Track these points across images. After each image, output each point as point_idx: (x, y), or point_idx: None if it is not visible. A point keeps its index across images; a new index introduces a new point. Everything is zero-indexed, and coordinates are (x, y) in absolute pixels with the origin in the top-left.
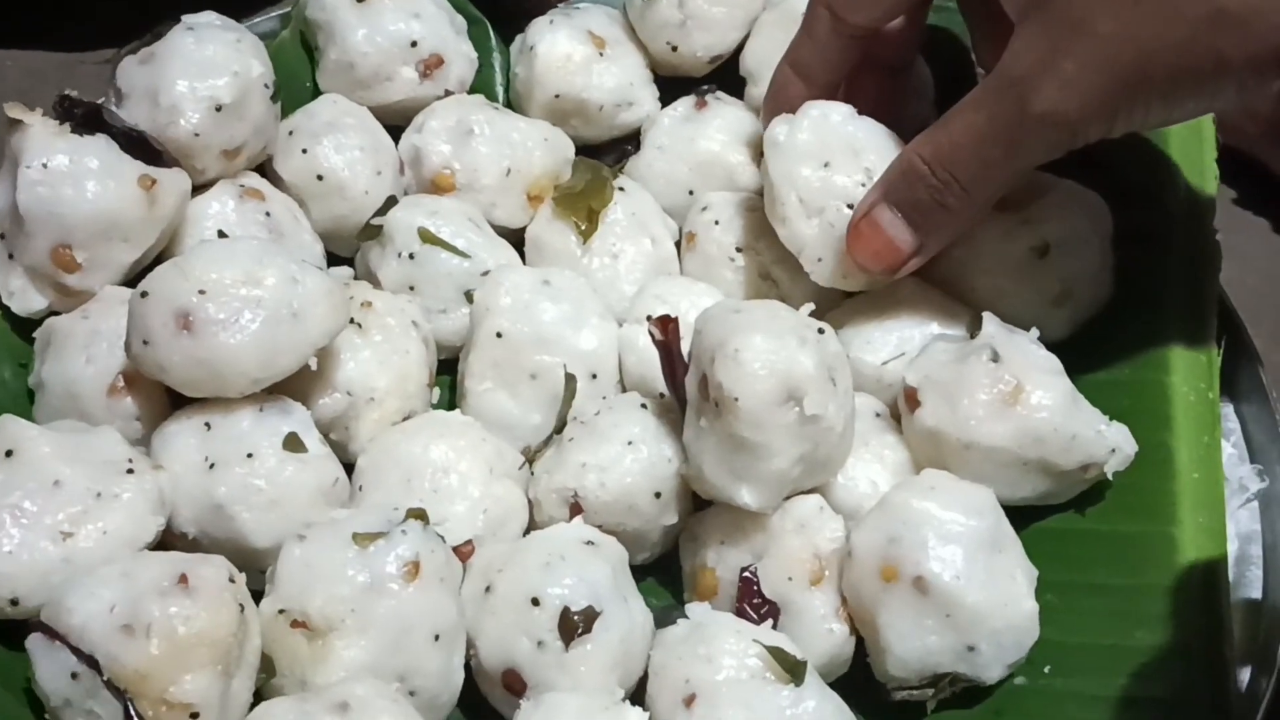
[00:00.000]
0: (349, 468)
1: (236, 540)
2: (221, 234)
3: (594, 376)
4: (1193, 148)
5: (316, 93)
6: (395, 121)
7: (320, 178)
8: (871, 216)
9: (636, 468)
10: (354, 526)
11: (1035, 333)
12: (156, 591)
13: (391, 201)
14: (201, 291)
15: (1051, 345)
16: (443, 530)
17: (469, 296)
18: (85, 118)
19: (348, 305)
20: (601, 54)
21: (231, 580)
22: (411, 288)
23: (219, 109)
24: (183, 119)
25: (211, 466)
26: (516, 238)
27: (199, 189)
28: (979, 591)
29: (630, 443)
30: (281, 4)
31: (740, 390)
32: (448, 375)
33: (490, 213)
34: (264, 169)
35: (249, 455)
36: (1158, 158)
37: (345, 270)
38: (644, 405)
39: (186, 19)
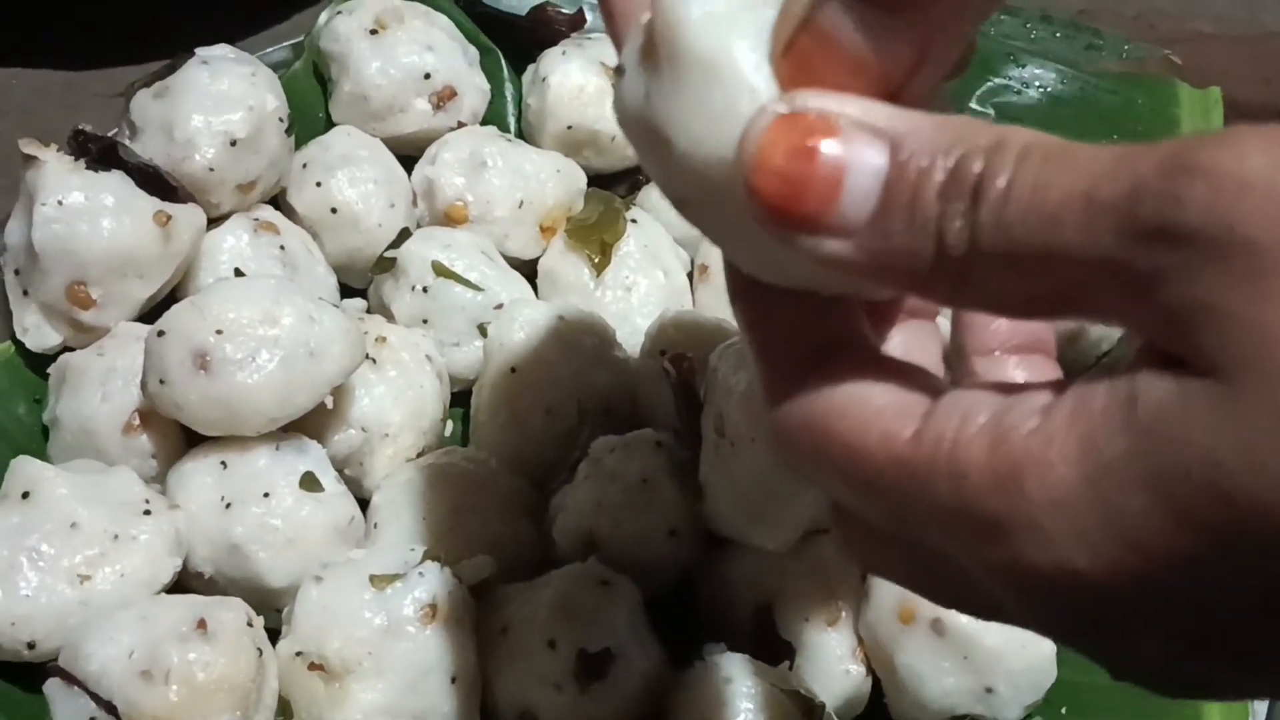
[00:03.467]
0: (364, 503)
1: (253, 580)
2: (238, 272)
3: (607, 411)
4: None
5: (330, 124)
6: (408, 152)
7: (334, 210)
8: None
9: (652, 506)
10: (371, 568)
11: None
12: (175, 637)
13: (405, 234)
14: (219, 331)
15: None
16: (458, 569)
17: (482, 330)
18: (100, 154)
19: (363, 343)
20: (614, 83)
21: (250, 624)
22: (425, 320)
23: (234, 143)
24: (198, 154)
25: (228, 506)
26: (529, 269)
27: (213, 222)
28: (997, 633)
29: (645, 481)
30: (294, 33)
31: (756, 430)
32: (461, 408)
33: (503, 244)
34: (278, 201)
35: (265, 494)
36: None
37: (359, 303)
38: (659, 443)
39: (200, 52)
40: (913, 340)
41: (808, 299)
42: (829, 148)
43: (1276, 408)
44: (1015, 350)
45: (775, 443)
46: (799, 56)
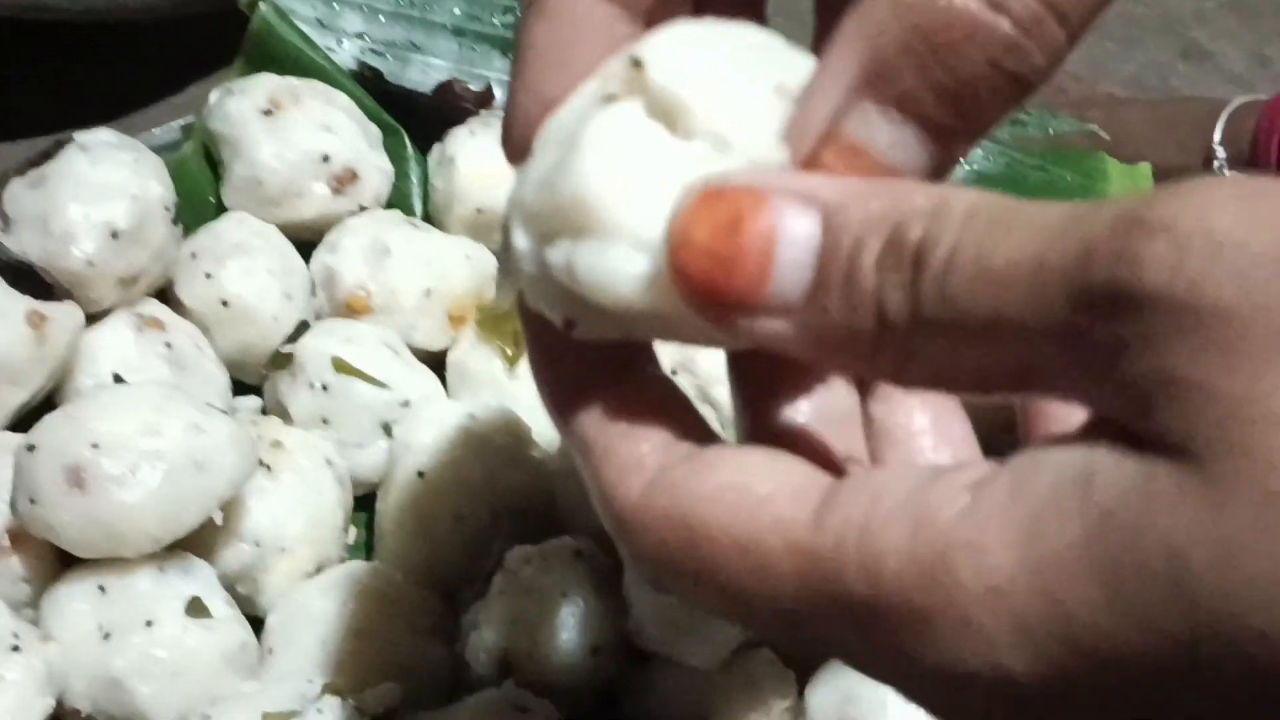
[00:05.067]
0: (257, 622)
1: (135, 718)
2: (117, 378)
3: (522, 515)
4: None
5: (221, 210)
6: (305, 238)
7: (225, 304)
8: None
9: (572, 623)
10: (265, 705)
11: None
12: None
13: (303, 327)
14: (95, 445)
15: None
16: (361, 700)
17: (387, 429)
18: None
19: (255, 452)
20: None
21: None
22: (325, 420)
23: (115, 235)
24: (76, 247)
25: (107, 636)
26: (438, 360)
27: (93, 319)
28: None
29: (565, 595)
30: (191, 106)
31: None
32: (364, 512)
33: (409, 335)
34: (165, 294)
35: (148, 623)
36: None
37: (253, 401)
38: (579, 552)
39: (79, 138)
40: (828, 406)
41: (662, 400)
42: (756, 220)
43: (1254, 496)
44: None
45: (625, 546)
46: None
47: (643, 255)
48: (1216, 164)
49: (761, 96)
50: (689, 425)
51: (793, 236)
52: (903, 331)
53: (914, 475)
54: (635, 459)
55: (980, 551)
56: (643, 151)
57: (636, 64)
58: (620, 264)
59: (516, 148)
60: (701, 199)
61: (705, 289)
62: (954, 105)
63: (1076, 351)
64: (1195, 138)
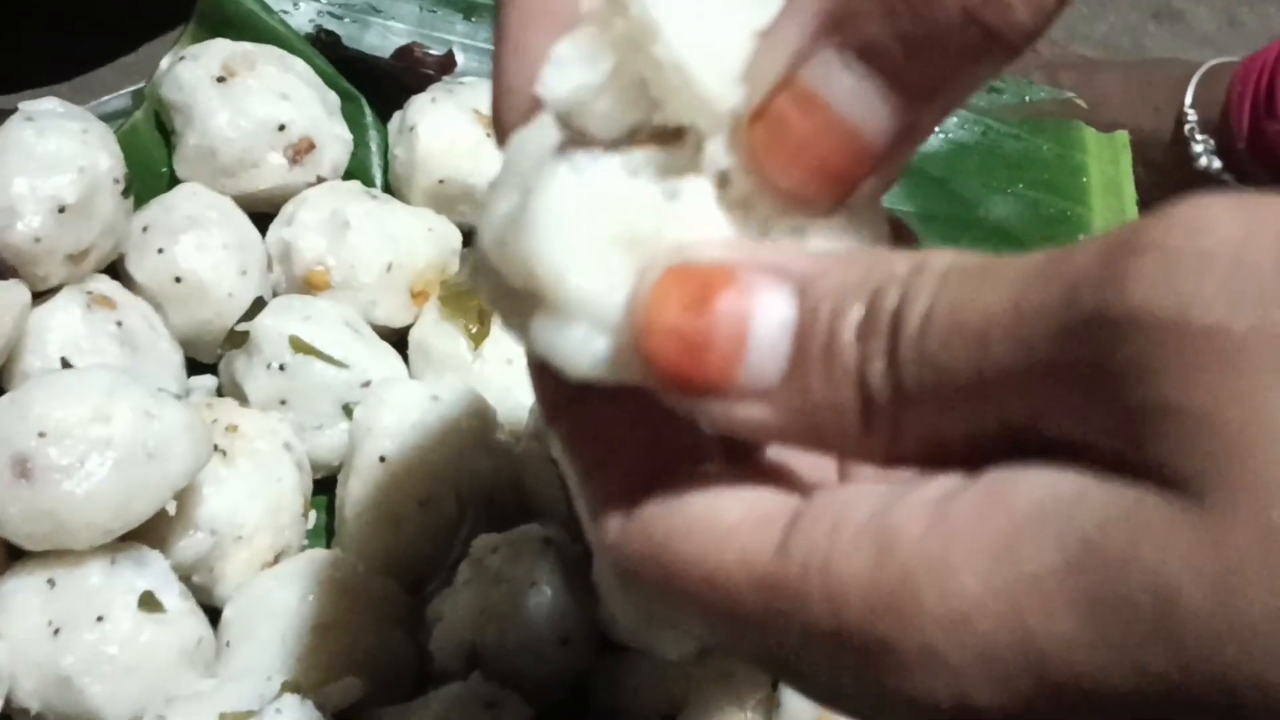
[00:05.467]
0: (214, 612)
1: (86, 717)
2: (65, 362)
3: (490, 502)
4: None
5: (174, 181)
6: (262, 210)
7: (179, 280)
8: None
9: (540, 613)
10: (221, 704)
11: None
12: None
13: (259, 304)
14: (41, 434)
15: None
16: (324, 695)
17: (348, 411)
18: None
19: (210, 438)
20: (489, 134)
21: None
22: (283, 402)
23: (63, 210)
24: (21, 222)
25: (56, 632)
26: (399, 337)
27: (41, 296)
28: None
29: (534, 584)
30: (142, 66)
31: None
32: (324, 495)
33: (370, 312)
34: (116, 269)
35: (99, 618)
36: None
37: (209, 381)
38: (547, 539)
39: (24, 107)
40: None
41: (648, 411)
42: (727, 300)
43: (1253, 530)
44: None
45: (616, 582)
46: (773, 124)
47: (602, 335)
48: (1188, 127)
49: (738, 33)
50: (677, 439)
51: (766, 315)
52: (889, 403)
53: (878, 494)
54: (615, 491)
55: (945, 573)
56: (596, 213)
57: None
58: (579, 344)
59: (506, 134)
60: (667, 278)
61: (674, 375)
62: (923, 60)
63: (1064, 390)
64: (1170, 101)
